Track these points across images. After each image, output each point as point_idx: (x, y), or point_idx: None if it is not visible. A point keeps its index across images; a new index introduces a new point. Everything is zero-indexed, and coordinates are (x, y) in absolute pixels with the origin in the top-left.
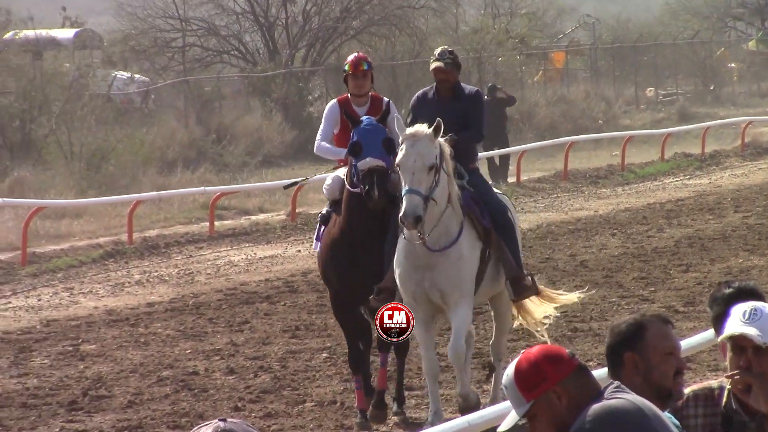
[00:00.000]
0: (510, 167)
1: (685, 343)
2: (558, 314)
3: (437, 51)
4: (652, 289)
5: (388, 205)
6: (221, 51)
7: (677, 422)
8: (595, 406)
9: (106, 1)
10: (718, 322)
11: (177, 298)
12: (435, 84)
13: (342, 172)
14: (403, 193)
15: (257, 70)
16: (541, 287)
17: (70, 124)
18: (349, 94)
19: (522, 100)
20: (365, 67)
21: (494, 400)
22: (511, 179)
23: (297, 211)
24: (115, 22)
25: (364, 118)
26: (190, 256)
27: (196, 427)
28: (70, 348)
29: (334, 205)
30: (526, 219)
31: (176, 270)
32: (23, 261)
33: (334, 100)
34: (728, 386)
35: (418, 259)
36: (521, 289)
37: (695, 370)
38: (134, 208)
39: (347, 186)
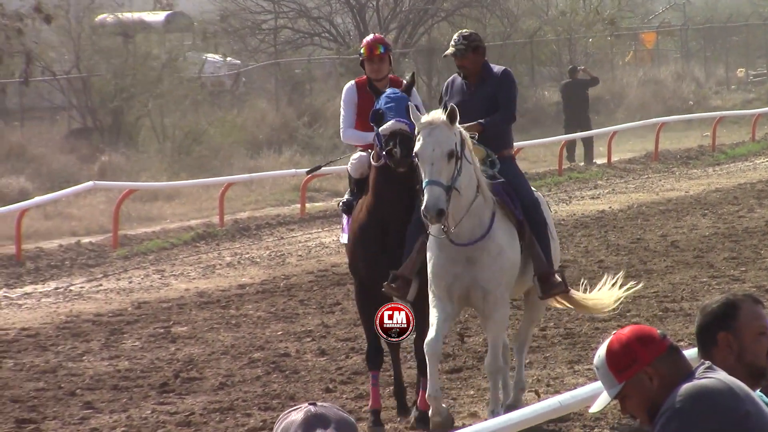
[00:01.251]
0: (600, 148)
1: None
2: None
3: (454, 37)
4: (743, 269)
5: (411, 172)
6: (312, 33)
7: None
8: (686, 386)
9: None
10: None
11: (268, 279)
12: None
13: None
14: (423, 186)
15: (348, 52)
16: (571, 290)
17: (162, 107)
18: (366, 78)
19: (613, 81)
20: (381, 51)
21: (517, 384)
22: (602, 160)
23: None
24: (206, 4)
25: (387, 89)
26: (282, 238)
27: (286, 411)
28: (162, 330)
29: (356, 190)
30: (617, 200)
31: (267, 252)
32: (114, 244)
33: (351, 82)
34: None
35: (454, 252)
36: (549, 286)
37: None
38: (225, 191)
39: (373, 163)
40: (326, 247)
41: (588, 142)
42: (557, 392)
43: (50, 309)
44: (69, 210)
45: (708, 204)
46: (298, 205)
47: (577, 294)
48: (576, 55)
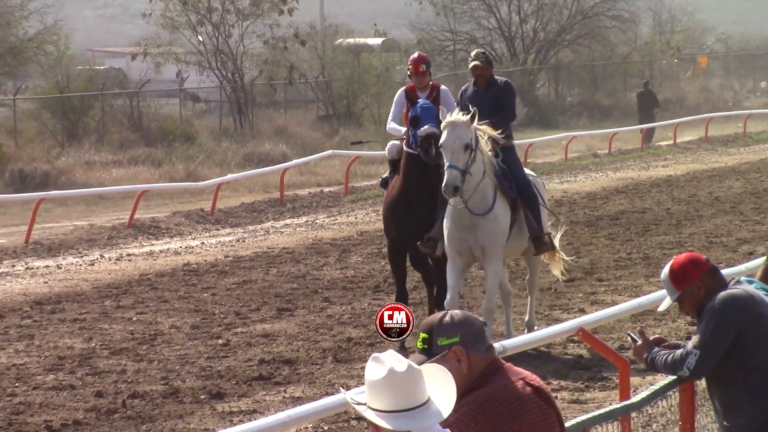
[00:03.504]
0: (668, 134)
1: None
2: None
3: (473, 53)
4: (763, 216)
5: (439, 166)
6: None
7: None
8: (722, 294)
9: (404, 19)
10: None
11: None
12: (474, 79)
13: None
14: (444, 168)
15: (502, 67)
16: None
17: (378, 101)
18: (413, 84)
19: (678, 89)
20: (424, 68)
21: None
22: (669, 142)
23: (528, 160)
24: (408, 33)
25: (420, 100)
26: None
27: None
28: (376, 250)
29: (392, 169)
30: (679, 168)
31: None
32: (345, 192)
33: (402, 89)
34: None
35: (462, 221)
36: (540, 244)
37: None
38: None
39: (405, 149)
40: None
41: (650, 132)
42: (637, 296)
43: (302, 235)
44: (316, 169)
45: (740, 172)
46: None
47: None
48: (654, 72)
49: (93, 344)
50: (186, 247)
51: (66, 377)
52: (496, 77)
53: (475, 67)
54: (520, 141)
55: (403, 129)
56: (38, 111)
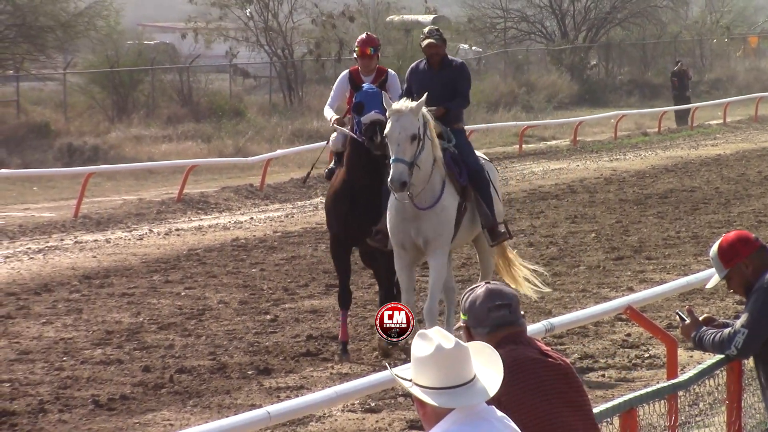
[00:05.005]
0: (719, 113)
1: None
2: (538, 282)
3: (426, 30)
4: None
5: (384, 155)
6: (529, 32)
7: None
8: None
9: None
10: None
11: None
12: (426, 58)
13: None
14: (390, 162)
15: (554, 45)
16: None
17: None
18: (358, 67)
19: (728, 68)
20: (371, 51)
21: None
22: (719, 121)
23: (578, 138)
24: (459, 10)
25: (365, 84)
26: (506, 167)
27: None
28: None
29: (337, 160)
30: (729, 147)
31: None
32: None
33: (346, 71)
34: None
35: (406, 213)
36: (495, 235)
37: None
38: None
39: (350, 135)
40: (535, 174)
41: (685, 113)
42: (686, 274)
43: None
44: None
45: None
46: (517, 146)
47: (512, 254)
48: (704, 51)
49: (141, 319)
50: (235, 222)
51: (114, 352)
52: (450, 57)
53: (429, 45)
54: (570, 119)
55: (334, 116)
56: (88, 85)
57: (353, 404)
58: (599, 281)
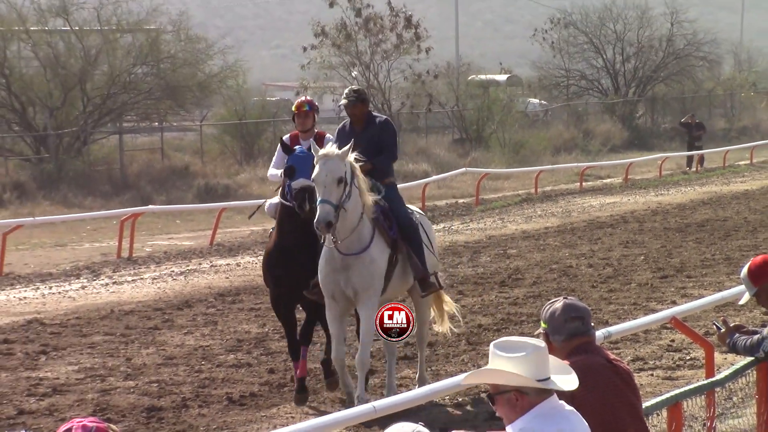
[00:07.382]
0: (746, 155)
1: None
2: (460, 322)
3: (345, 91)
4: None
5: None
6: (588, 88)
7: None
8: None
9: (526, 59)
10: None
11: (561, 225)
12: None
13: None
14: (317, 204)
15: (608, 98)
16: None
17: (504, 127)
18: (298, 132)
19: (754, 117)
20: (306, 108)
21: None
22: (746, 161)
23: (629, 176)
24: (529, 71)
25: (297, 147)
26: (569, 201)
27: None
28: (501, 252)
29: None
30: (755, 183)
31: (560, 209)
32: (476, 203)
33: (287, 136)
34: None
35: (335, 263)
36: (426, 285)
37: None
38: (538, 175)
39: (281, 200)
40: (593, 206)
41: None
42: (720, 290)
43: (440, 239)
44: (451, 184)
45: None
46: (578, 184)
47: (447, 297)
48: (734, 103)
49: (266, 329)
50: None
51: (244, 357)
52: (374, 114)
53: (345, 106)
54: (622, 161)
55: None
56: (220, 135)
57: (444, 399)
58: (647, 296)
